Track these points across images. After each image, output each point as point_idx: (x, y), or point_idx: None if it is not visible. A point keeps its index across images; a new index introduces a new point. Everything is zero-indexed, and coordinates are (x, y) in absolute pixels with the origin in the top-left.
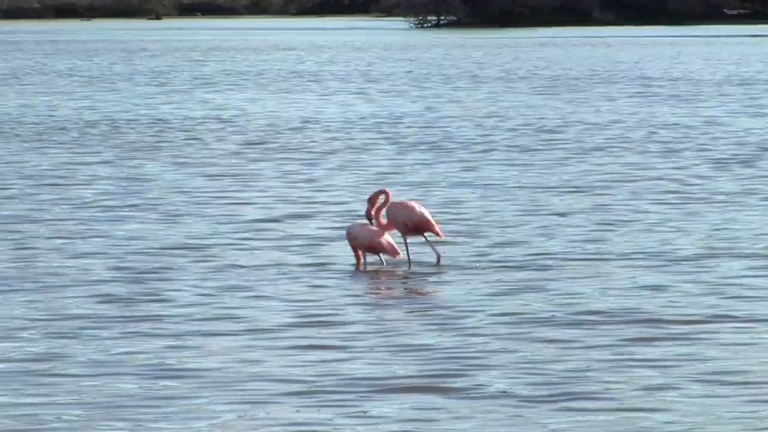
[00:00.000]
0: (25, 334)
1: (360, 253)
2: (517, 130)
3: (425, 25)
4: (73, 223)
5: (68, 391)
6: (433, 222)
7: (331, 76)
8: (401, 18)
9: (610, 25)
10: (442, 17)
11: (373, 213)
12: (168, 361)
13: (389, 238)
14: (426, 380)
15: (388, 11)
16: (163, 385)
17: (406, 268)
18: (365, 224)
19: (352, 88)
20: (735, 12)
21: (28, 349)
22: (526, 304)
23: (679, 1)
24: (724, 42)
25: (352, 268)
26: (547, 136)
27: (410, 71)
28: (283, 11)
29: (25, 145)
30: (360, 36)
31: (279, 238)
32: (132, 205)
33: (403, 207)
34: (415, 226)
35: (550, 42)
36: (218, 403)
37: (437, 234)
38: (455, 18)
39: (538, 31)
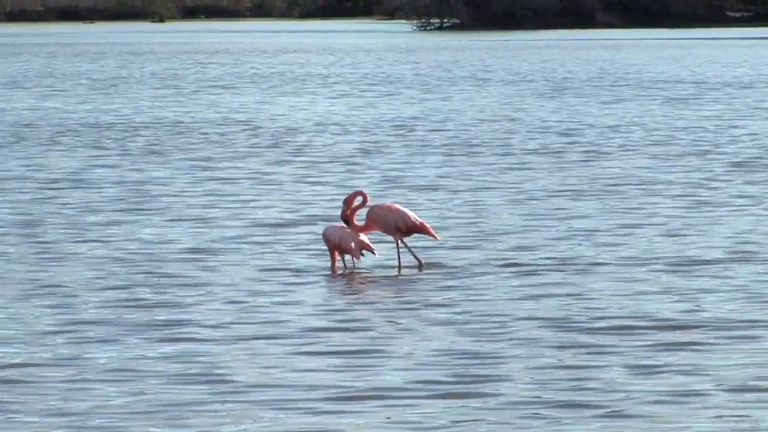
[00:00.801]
0: (47, 339)
1: (336, 254)
2: (533, 132)
3: (428, 27)
4: (89, 227)
5: (94, 396)
6: (427, 224)
7: (342, 79)
8: (404, 21)
9: (613, 28)
10: (445, 20)
11: (348, 214)
12: (192, 367)
13: (365, 239)
14: (453, 386)
15: (391, 14)
16: (188, 390)
17: (420, 272)
18: (341, 226)
19: (365, 90)
20: (738, 15)
21: (50, 354)
22: (552, 309)
23: (682, 4)
24: (733, 44)
25: (371, 273)
26: (565, 139)
27: (420, 73)
28: (286, 14)
29: (42, 148)
30: (365, 39)
31: (299, 242)
32: (149, 209)
33: (392, 210)
34: (409, 230)
35: (557, 45)
36: (245, 409)
37: (433, 236)
38: (458, 21)
39: (541, 33)
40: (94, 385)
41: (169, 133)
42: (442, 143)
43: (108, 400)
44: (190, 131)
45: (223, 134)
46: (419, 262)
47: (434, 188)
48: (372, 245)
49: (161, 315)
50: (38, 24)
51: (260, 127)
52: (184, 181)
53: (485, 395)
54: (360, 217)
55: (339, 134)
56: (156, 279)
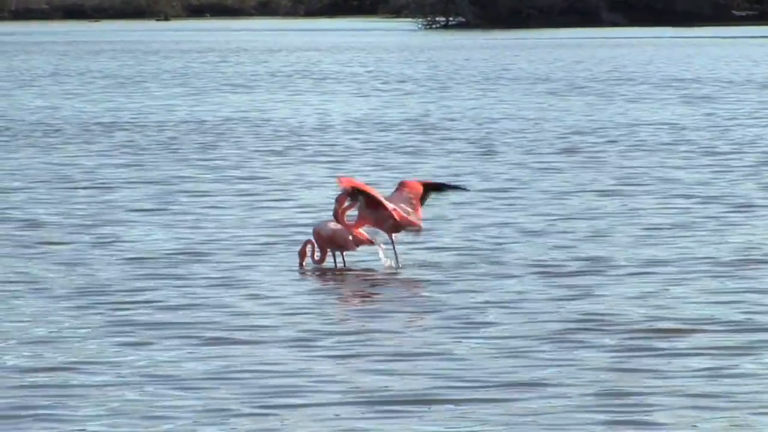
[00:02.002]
0: (72, 342)
1: (327, 251)
2: (555, 132)
3: (434, 26)
4: (109, 227)
5: (120, 401)
6: (413, 218)
7: (360, 77)
8: (409, 19)
9: (619, 27)
10: (451, 18)
11: (339, 213)
12: (211, 368)
13: (362, 231)
14: (482, 391)
15: (397, 12)
16: (208, 394)
17: (434, 274)
18: (332, 222)
19: (382, 89)
20: (743, 13)
21: (72, 357)
22: (582, 311)
23: (687, 3)
24: (743, 42)
25: (399, 274)
26: (590, 138)
27: (438, 72)
28: (291, 12)
29: (61, 147)
30: (375, 37)
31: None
32: (170, 209)
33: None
34: (399, 225)
35: (566, 43)
36: (268, 414)
37: (418, 228)
38: (463, 19)
39: (547, 32)
40: (134, 388)
41: (195, 132)
42: (467, 142)
43: (149, 403)
44: (219, 131)
45: (246, 134)
46: (397, 260)
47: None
48: (369, 237)
49: (184, 317)
50: (43, 22)
51: (285, 126)
52: (212, 180)
53: (514, 401)
54: (351, 216)
55: (364, 133)
56: (180, 280)
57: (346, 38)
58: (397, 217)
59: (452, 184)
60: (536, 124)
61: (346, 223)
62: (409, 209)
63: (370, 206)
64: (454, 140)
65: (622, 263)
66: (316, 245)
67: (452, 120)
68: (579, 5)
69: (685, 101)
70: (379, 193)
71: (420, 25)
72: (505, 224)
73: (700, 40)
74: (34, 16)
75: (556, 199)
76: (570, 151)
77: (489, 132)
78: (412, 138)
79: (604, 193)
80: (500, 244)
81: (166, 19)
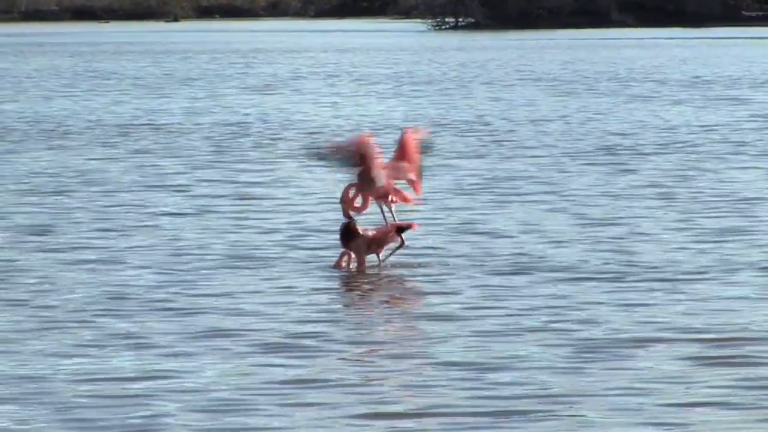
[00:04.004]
0: (108, 351)
1: (361, 254)
2: (581, 133)
3: (443, 27)
4: (143, 232)
5: (166, 411)
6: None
7: (384, 78)
8: (419, 20)
9: (629, 27)
10: (460, 19)
11: (348, 212)
12: (231, 377)
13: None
14: (511, 402)
15: (406, 13)
16: (238, 399)
17: (462, 280)
18: (366, 229)
19: (404, 90)
20: (753, 14)
21: (117, 365)
22: (636, 320)
23: (697, 3)
24: (759, 44)
25: (423, 277)
26: (618, 140)
27: (459, 73)
28: (301, 13)
29: (93, 149)
30: (386, 38)
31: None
32: (207, 211)
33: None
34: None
35: (579, 44)
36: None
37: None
38: (473, 20)
39: (557, 33)
40: (168, 397)
41: (224, 134)
42: (495, 144)
43: (187, 413)
44: (257, 133)
45: (277, 136)
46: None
47: (489, 188)
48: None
49: (221, 323)
50: (53, 24)
51: (320, 128)
52: (239, 182)
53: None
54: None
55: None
56: (219, 285)
57: (360, 39)
58: (388, 188)
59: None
60: (580, 125)
61: (356, 207)
62: (406, 178)
63: (363, 175)
64: (504, 142)
65: (669, 270)
66: (352, 256)
67: (507, 119)
68: (589, 6)
69: (721, 101)
70: (379, 163)
71: (429, 26)
72: (535, 231)
73: (717, 41)
74: (43, 17)
75: (585, 203)
76: (612, 152)
77: (517, 132)
78: (448, 139)
79: (646, 196)
80: (525, 246)
81: (176, 20)
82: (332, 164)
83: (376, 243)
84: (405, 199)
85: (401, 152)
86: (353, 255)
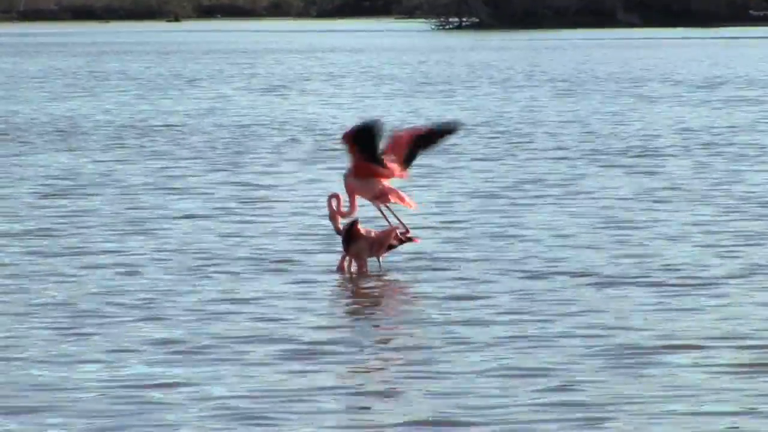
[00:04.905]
0: (127, 358)
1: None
2: (594, 134)
3: (447, 26)
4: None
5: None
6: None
7: (395, 78)
8: (422, 20)
9: (635, 27)
10: (464, 19)
11: (337, 226)
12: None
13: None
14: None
15: (409, 13)
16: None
17: (475, 286)
18: (368, 230)
19: (419, 90)
20: (761, 13)
21: (130, 373)
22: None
23: (704, 2)
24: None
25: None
26: (640, 142)
27: (471, 73)
28: (303, 13)
29: (105, 150)
30: (391, 38)
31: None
32: (221, 214)
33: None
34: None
35: (586, 44)
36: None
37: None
38: (476, 20)
39: (562, 32)
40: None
41: (238, 134)
42: (512, 145)
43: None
44: (262, 133)
45: (294, 138)
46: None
47: (517, 190)
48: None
49: (240, 329)
50: (53, 23)
51: (332, 128)
52: (260, 184)
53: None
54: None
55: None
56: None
57: (366, 39)
58: (384, 188)
59: (441, 128)
60: (600, 127)
61: (343, 211)
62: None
63: (358, 174)
64: (524, 144)
65: (702, 274)
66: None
67: (525, 122)
68: (594, 6)
69: (741, 103)
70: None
71: (433, 26)
72: (559, 236)
73: (735, 40)
74: (42, 16)
75: (603, 205)
76: (636, 155)
77: (556, 135)
78: (469, 140)
79: (670, 199)
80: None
81: (177, 19)
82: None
83: (378, 245)
84: (401, 199)
85: (390, 149)
86: (354, 258)
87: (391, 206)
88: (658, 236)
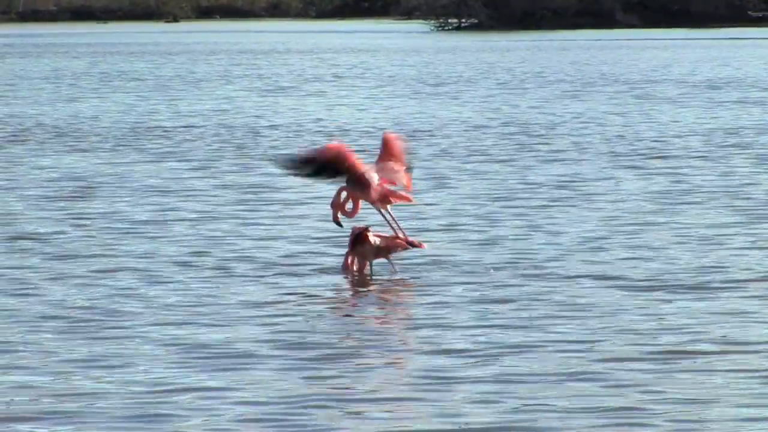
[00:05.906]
0: (142, 363)
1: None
2: (616, 136)
3: (446, 27)
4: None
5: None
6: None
7: (400, 80)
8: (421, 21)
9: (633, 28)
10: (463, 20)
11: (337, 217)
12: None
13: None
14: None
15: (408, 14)
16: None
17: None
18: (378, 234)
19: (425, 91)
20: (759, 14)
21: (153, 377)
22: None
23: (702, 4)
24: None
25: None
26: (655, 144)
27: (479, 74)
28: (302, 14)
29: (111, 152)
30: (392, 39)
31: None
32: (227, 216)
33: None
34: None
35: (588, 45)
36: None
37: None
38: (476, 21)
39: (561, 33)
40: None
41: (254, 136)
42: (527, 148)
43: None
44: (279, 135)
45: (300, 139)
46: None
47: (533, 190)
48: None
49: (253, 334)
50: (51, 24)
51: (348, 130)
52: (278, 186)
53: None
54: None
55: (428, 137)
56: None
57: (367, 40)
58: (383, 190)
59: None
60: (613, 128)
61: (346, 211)
62: (397, 177)
63: (356, 181)
64: (539, 146)
65: (736, 277)
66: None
67: (540, 124)
68: (593, 7)
69: (756, 105)
70: (363, 165)
71: (432, 27)
72: (572, 239)
73: (726, 41)
74: (41, 17)
75: (616, 208)
76: (653, 156)
77: (572, 137)
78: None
79: (693, 201)
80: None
81: (175, 20)
82: (302, 175)
83: (384, 250)
84: (404, 198)
85: (386, 152)
86: (357, 258)
87: (392, 209)
88: (681, 238)
